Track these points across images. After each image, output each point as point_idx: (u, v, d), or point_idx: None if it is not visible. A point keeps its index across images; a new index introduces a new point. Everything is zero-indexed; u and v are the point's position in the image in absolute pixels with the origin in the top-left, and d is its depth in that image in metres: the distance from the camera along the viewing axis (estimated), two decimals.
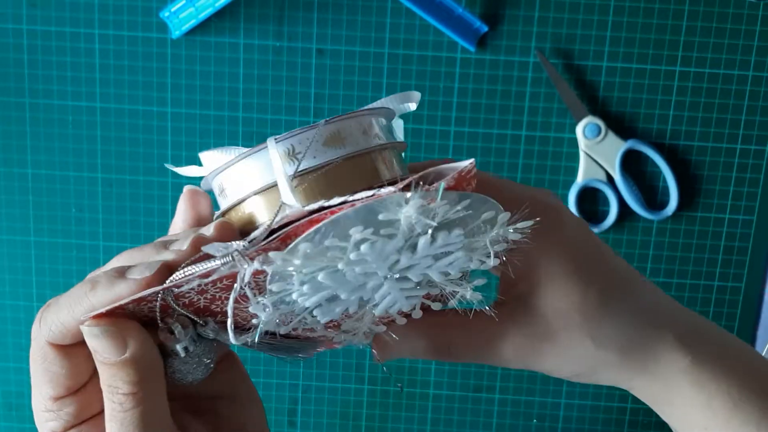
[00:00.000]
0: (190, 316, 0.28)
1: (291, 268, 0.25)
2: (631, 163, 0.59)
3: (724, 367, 0.32)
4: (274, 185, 0.27)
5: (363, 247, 0.25)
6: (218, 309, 0.28)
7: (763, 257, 0.61)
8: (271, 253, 0.25)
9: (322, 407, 0.65)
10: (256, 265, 0.25)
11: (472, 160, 0.27)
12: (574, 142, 0.59)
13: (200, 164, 0.34)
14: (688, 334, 0.33)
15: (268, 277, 0.25)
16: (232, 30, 0.58)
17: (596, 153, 0.59)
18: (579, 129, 0.58)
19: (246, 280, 0.25)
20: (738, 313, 0.62)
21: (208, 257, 0.25)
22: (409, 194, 0.24)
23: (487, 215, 0.27)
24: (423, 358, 0.35)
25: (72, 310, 0.27)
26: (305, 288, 0.26)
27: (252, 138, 0.59)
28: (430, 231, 0.26)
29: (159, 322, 0.28)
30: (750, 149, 0.59)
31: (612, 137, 0.58)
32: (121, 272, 0.27)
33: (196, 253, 0.26)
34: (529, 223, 0.27)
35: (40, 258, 0.62)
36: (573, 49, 0.58)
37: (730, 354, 0.33)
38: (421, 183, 0.25)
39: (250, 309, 0.26)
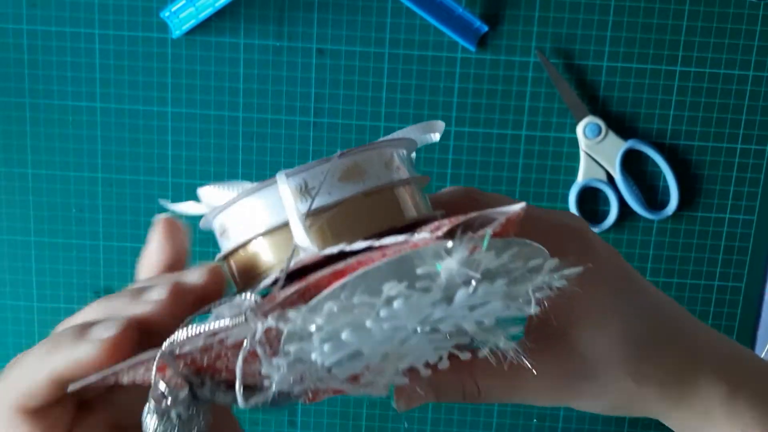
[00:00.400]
0: (188, 378, 0.24)
1: (312, 327, 0.22)
2: (632, 162, 0.59)
3: (759, 396, 0.31)
4: (285, 225, 0.24)
5: (396, 303, 0.22)
6: (222, 366, 0.24)
7: (763, 257, 0.61)
8: (290, 313, 0.21)
9: (322, 407, 0.65)
10: (270, 322, 0.21)
11: (523, 204, 0.24)
12: (574, 142, 0.59)
13: (198, 199, 0.30)
14: (725, 364, 0.32)
15: (283, 336, 0.22)
16: (233, 30, 0.58)
17: (596, 153, 0.59)
18: (579, 129, 0.58)
19: (258, 337, 0.22)
20: (738, 313, 0.62)
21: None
22: (450, 243, 0.22)
23: (534, 263, 0.24)
24: (450, 402, 0.33)
25: (35, 374, 0.24)
26: (326, 347, 0.22)
27: (252, 138, 0.59)
28: (472, 282, 0.22)
29: (152, 382, 0.23)
30: (750, 149, 0.59)
31: (612, 137, 0.58)
32: (85, 330, 0.24)
33: (176, 303, 0.23)
34: (578, 269, 0.24)
35: (40, 258, 0.62)
36: (573, 48, 0.58)
37: (765, 381, 0.32)
38: (463, 228, 0.22)
39: (263, 370, 0.23)
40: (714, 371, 0.31)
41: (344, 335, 0.22)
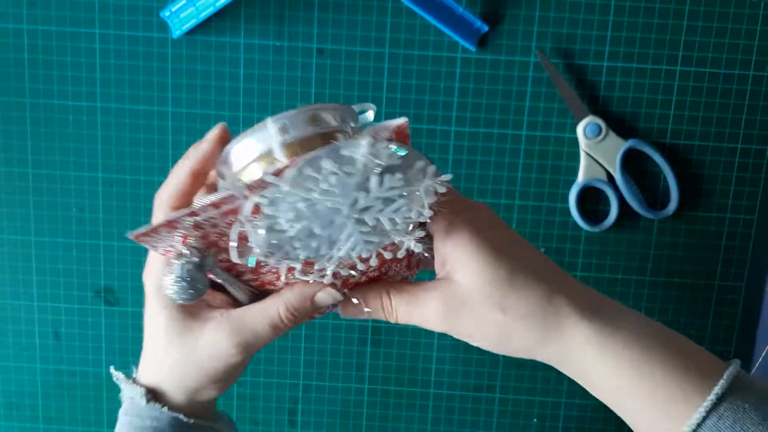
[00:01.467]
0: (199, 249, 0.36)
1: (280, 195, 0.33)
2: (632, 162, 0.59)
3: (622, 333, 0.38)
4: (268, 153, 0.36)
5: (331, 179, 0.33)
6: (224, 245, 0.36)
7: (763, 257, 0.61)
8: (266, 177, 0.33)
9: (322, 407, 0.65)
10: (255, 198, 0.33)
11: (405, 118, 0.38)
12: (574, 142, 0.59)
13: None
14: (587, 307, 0.38)
15: (263, 206, 0.33)
16: (233, 30, 0.58)
17: (597, 152, 0.59)
18: (580, 128, 0.58)
19: (248, 208, 0.34)
20: (738, 313, 0.62)
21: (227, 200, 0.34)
22: (362, 139, 0.34)
23: (420, 164, 0.36)
24: (373, 317, 0.42)
25: (180, 171, 0.40)
26: (291, 215, 0.34)
27: None
28: (378, 171, 0.34)
29: (177, 245, 0.36)
30: (751, 149, 0.59)
31: (612, 137, 0.58)
32: (198, 143, 0.41)
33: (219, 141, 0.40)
34: (450, 176, 0.36)
35: (40, 257, 0.62)
36: (574, 48, 0.58)
37: (626, 321, 0.38)
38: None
39: (248, 230, 0.34)
40: (576, 311, 0.38)
41: (300, 205, 0.34)
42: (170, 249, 0.38)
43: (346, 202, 0.35)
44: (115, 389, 0.65)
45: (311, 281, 0.40)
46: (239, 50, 0.58)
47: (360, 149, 0.34)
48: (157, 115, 0.59)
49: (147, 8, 0.57)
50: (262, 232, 0.34)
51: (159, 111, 0.59)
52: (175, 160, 0.60)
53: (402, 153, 0.35)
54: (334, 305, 0.42)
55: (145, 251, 0.62)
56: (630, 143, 0.58)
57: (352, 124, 0.39)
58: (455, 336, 0.40)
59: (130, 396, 0.42)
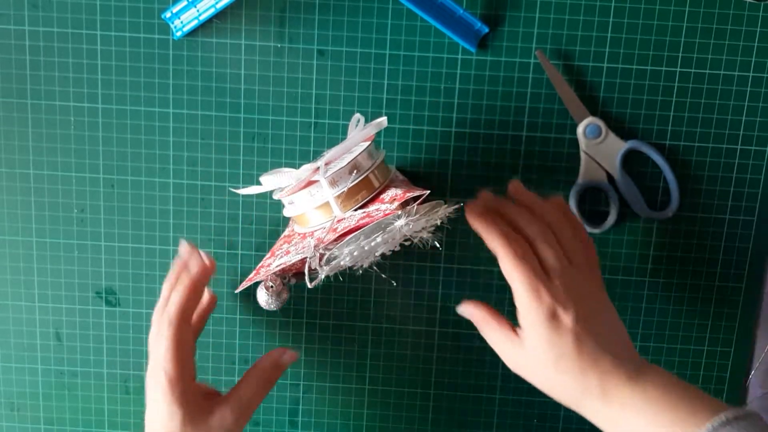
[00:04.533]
0: (279, 276, 0.55)
1: (339, 252, 0.47)
2: (632, 163, 0.60)
3: (647, 392, 0.46)
4: (325, 203, 0.49)
5: (377, 239, 0.47)
6: (296, 269, 0.55)
7: (763, 258, 0.61)
8: (335, 249, 0.47)
9: (322, 407, 0.65)
10: (321, 251, 0.47)
11: (427, 191, 0.48)
12: (574, 143, 0.59)
13: (252, 183, 0.57)
14: (624, 369, 0.47)
15: (326, 258, 0.47)
16: (234, 31, 0.58)
17: (597, 153, 0.59)
18: (580, 130, 0.58)
19: (316, 261, 0.47)
20: (738, 314, 0.62)
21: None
22: (399, 212, 0.46)
23: (434, 221, 0.48)
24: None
25: (180, 299, 0.50)
26: (347, 260, 0.47)
27: (253, 139, 0.59)
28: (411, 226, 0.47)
29: (268, 281, 0.56)
30: (750, 150, 0.59)
31: (612, 138, 0.58)
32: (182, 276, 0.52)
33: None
34: (452, 208, 0.49)
35: (41, 258, 0.62)
36: (574, 50, 0.58)
37: (652, 382, 0.46)
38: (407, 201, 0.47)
39: (319, 270, 0.47)
40: (617, 370, 0.47)
41: (355, 253, 0.47)
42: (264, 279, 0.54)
43: (384, 245, 0.47)
44: (116, 389, 0.65)
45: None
46: (240, 52, 0.58)
47: (397, 223, 0.46)
48: (159, 117, 0.59)
49: (148, 10, 0.58)
50: (326, 268, 0.47)
51: (160, 112, 0.59)
52: (176, 161, 0.60)
53: (427, 210, 0.48)
54: None
55: (146, 252, 0.62)
56: (630, 144, 0.58)
57: (376, 159, 0.51)
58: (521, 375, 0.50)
59: None
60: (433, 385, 0.64)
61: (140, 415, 0.66)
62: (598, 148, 0.59)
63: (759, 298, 0.62)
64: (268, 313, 0.63)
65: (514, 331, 0.49)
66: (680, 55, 0.58)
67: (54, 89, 0.59)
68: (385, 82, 0.58)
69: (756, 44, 0.57)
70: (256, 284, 0.59)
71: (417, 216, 0.46)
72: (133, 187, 0.61)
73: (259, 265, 0.56)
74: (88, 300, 0.63)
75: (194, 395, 0.49)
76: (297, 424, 0.66)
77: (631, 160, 0.59)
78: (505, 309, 0.63)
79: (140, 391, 0.65)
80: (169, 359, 0.48)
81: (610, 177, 0.59)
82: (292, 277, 0.57)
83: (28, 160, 0.61)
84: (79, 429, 0.66)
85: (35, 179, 0.61)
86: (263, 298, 0.57)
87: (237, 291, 0.51)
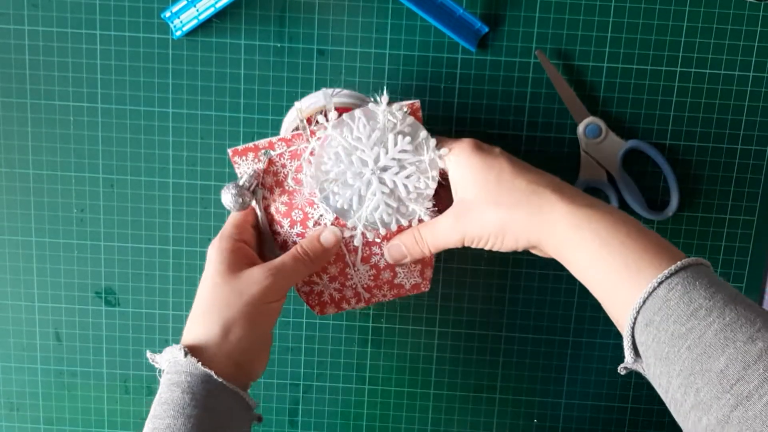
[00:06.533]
0: (254, 178, 0.52)
1: (328, 138, 0.50)
2: (632, 163, 0.60)
3: (594, 216, 0.44)
4: (325, 108, 0.51)
5: (360, 126, 0.49)
6: (280, 187, 0.52)
7: (763, 258, 0.61)
8: (320, 118, 0.50)
9: (322, 407, 0.65)
10: (313, 143, 0.51)
11: (417, 100, 0.50)
12: (574, 143, 0.59)
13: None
14: (567, 193, 0.46)
15: (316, 149, 0.50)
16: (234, 31, 0.58)
17: (597, 153, 0.59)
18: (580, 129, 0.58)
19: (308, 149, 0.51)
20: None
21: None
22: (384, 102, 0.49)
23: (422, 133, 0.50)
24: (412, 256, 0.52)
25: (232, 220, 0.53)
26: (332, 155, 0.49)
27: (254, 138, 0.59)
28: (393, 132, 0.49)
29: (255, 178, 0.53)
30: (750, 150, 0.59)
31: (613, 137, 0.58)
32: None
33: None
34: (446, 150, 0.49)
35: (41, 258, 0.62)
36: (574, 49, 0.58)
37: (599, 208, 0.45)
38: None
39: (304, 167, 0.51)
40: (555, 195, 0.45)
41: (339, 150, 0.49)
42: (243, 175, 0.52)
43: (371, 155, 0.49)
44: (116, 389, 0.65)
45: (346, 236, 0.53)
46: (240, 51, 0.58)
47: (381, 107, 0.49)
48: (158, 116, 0.59)
49: (148, 9, 0.58)
50: (312, 162, 0.50)
51: (160, 112, 0.59)
52: (176, 161, 0.60)
53: (408, 123, 0.49)
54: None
55: (146, 252, 0.62)
56: (630, 144, 0.58)
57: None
58: (468, 243, 0.49)
59: (173, 355, 0.47)
60: (433, 385, 0.64)
61: (140, 414, 0.66)
62: (598, 147, 0.58)
63: (759, 298, 0.62)
64: None
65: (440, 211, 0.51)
66: (680, 54, 0.58)
67: (53, 89, 0.59)
68: (385, 81, 0.58)
69: (756, 44, 0.57)
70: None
71: (398, 109, 0.49)
72: (132, 187, 0.61)
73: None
74: (88, 300, 0.63)
75: (238, 254, 0.50)
76: (297, 424, 0.66)
77: (631, 159, 0.59)
78: (505, 308, 0.63)
79: (140, 390, 0.65)
80: (228, 223, 0.52)
81: (610, 176, 0.59)
82: (262, 192, 0.53)
83: (28, 160, 0.61)
84: (78, 429, 0.66)
85: (35, 179, 0.61)
86: (230, 191, 0.51)
87: (230, 150, 0.51)
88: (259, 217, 0.53)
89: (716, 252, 0.61)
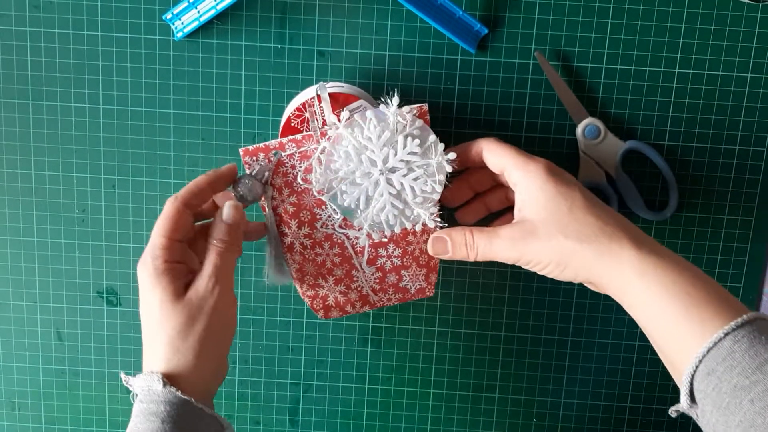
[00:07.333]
0: (265, 170, 0.51)
1: (339, 137, 0.50)
2: (631, 164, 0.60)
3: (659, 263, 0.44)
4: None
5: (371, 126, 0.49)
6: (290, 187, 0.52)
7: (761, 257, 0.61)
8: (332, 118, 0.51)
9: (322, 407, 0.65)
10: (323, 143, 0.51)
11: (425, 103, 0.51)
12: (573, 144, 0.59)
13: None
14: (636, 238, 0.46)
15: (327, 148, 0.50)
16: (234, 32, 0.58)
17: (596, 154, 0.59)
18: (579, 130, 0.59)
19: (319, 148, 0.51)
20: None
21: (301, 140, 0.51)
22: (393, 108, 0.50)
23: (431, 138, 0.50)
24: (455, 256, 0.51)
25: (198, 182, 0.49)
26: (342, 154, 0.50)
27: (254, 139, 0.60)
28: (402, 134, 0.50)
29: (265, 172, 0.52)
30: (748, 150, 0.59)
31: (611, 138, 0.58)
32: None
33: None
34: (453, 155, 0.50)
35: (43, 258, 0.63)
36: (573, 51, 0.58)
37: (664, 255, 0.45)
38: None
39: (314, 166, 0.51)
40: (626, 238, 0.45)
41: (349, 149, 0.50)
42: (255, 167, 0.51)
43: (380, 155, 0.50)
44: (117, 389, 0.65)
45: (351, 236, 0.53)
46: (241, 52, 0.58)
47: (391, 108, 0.49)
48: (159, 117, 0.60)
49: (149, 11, 0.58)
50: (322, 161, 0.50)
51: (161, 113, 0.60)
52: (176, 162, 0.60)
53: (417, 126, 0.50)
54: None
55: None
56: (629, 145, 0.58)
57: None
58: (523, 263, 0.49)
59: (147, 384, 0.46)
60: (433, 385, 0.65)
61: None
62: (597, 148, 0.59)
63: (757, 299, 0.62)
64: (269, 313, 0.63)
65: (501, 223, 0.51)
66: (679, 55, 0.58)
67: (55, 90, 0.59)
68: (385, 83, 0.59)
69: (754, 45, 0.58)
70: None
71: (407, 112, 0.50)
72: (134, 188, 0.61)
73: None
74: (90, 300, 0.63)
75: (177, 271, 0.47)
76: (297, 424, 0.66)
77: (629, 160, 0.60)
78: (504, 308, 0.63)
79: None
80: (157, 233, 0.47)
81: (609, 177, 0.59)
82: (270, 190, 0.53)
83: (30, 161, 0.61)
84: (79, 428, 0.66)
85: (37, 179, 0.61)
86: (242, 182, 0.51)
87: (242, 149, 0.51)
88: (267, 216, 0.53)
89: (714, 252, 0.61)
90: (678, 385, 0.44)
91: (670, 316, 0.43)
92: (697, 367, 0.41)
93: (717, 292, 0.43)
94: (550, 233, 0.46)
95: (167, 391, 0.45)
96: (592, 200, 0.48)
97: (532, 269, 0.49)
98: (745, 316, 0.41)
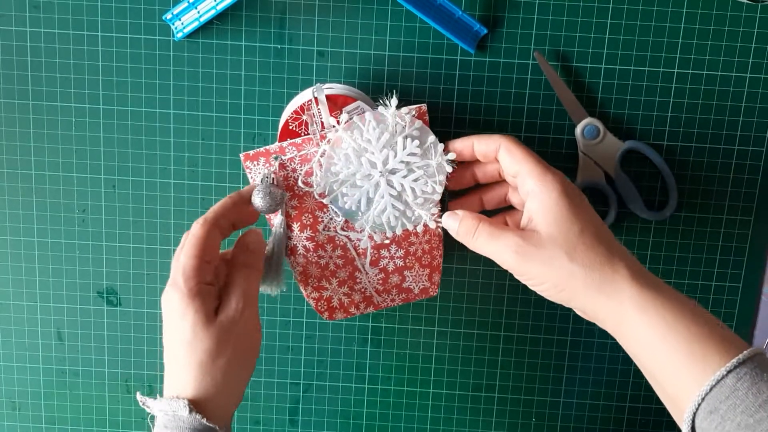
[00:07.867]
0: (276, 178, 0.52)
1: (339, 140, 0.50)
2: (630, 163, 0.60)
3: (659, 298, 0.44)
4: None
5: (371, 128, 0.50)
6: (292, 189, 0.53)
7: (760, 257, 0.61)
8: (331, 121, 0.51)
9: (322, 406, 0.65)
10: (324, 146, 0.51)
11: (423, 104, 0.51)
12: (572, 144, 0.59)
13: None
14: (637, 272, 0.45)
15: (327, 151, 0.51)
16: (234, 32, 0.58)
17: (595, 154, 0.59)
18: (578, 130, 0.59)
19: (319, 151, 0.51)
20: (735, 313, 0.62)
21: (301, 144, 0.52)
22: (392, 109, 0.50)
23: (431, 138, 0.51)
24: (459, 236, 0.50)
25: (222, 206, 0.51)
26: (343, 157, 0.50)
27: (254, 139, 0.60)
28: (402, 136, 0.50)
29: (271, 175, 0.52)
30: (747, 150, 0.59)
31: (611, 138, 0.58)
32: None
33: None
34: (453, 155, 0.51)
35: (43, 258, 0.63)
36: (572, 51, 0.58)
37: (664, 290, 0.44)
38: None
39: (314, 169, 0.51)
40: (627, 271, 0.45)
41: (349, 152, 0.50)
42: (266, 176, 0.52)
43: (380, 157, 0.50)
44: (117, 389, 0.65)
45: (353, 238, 0.54)
46: (240, 53, 0.59)
47: (390, 109, 0.49)
48: (159, 117, 0.60)
49: (149, 11, 0.58)
50: (322, 163, 0.51)
51: (161, 113, 0.60)
52: (177, 162, 0.60)
53: (417, 126, 0.50)
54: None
55: (147, 252, 0.62)
56: (628, 145, 0.59)
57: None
58: (520, 276, 0.47)
59: (173, 410, 0.45)
60: (432, 385, 0.65)
61: (141, 414, 0.66)
62: (596, 148, 0.59)
63: (756, 298, 0.62)
64: (269, 313, 0.63)
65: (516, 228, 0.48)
66: (678, 56, 0.58)
67: (55, 90, 0.59)
68: (385, 83, 0.59)
69: (753, 45, 0.58)
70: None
71: (406, 113, 0.50)
72: (134, 188, 0.61)
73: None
74: (90, 300, 0.64)
75: (208, 293, 0.47)
76: (297, 423, 0.66)
77: (629, 160, 0.60)
78: (504, 308, 0.63)
79: (141, 390, 0.65)
80: (188, 254, 0.47)
81: (608, 177, 0.60)
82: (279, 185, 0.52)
83: (30, 161, 0.61)
84: (80, 428, 0.66)
85: (37, 180, 0.61)
86: (259, 194, 0.51)
87: (242, 154, 0.51)
88: (279, 220, 0.53)
89: (713, 252, 0.61)
90: (676, 421, 0.43)
91: (671, 351, 0.42)
92: (699, 405, 0.41)
93: (716, 327, 0.43)
94: (555, 253, 0.45)
95: (193, 418, 0.45)
96: (602, 227, 0.47)
97: (524, 281, 0.48)
98: (746, 352, 0.41)
